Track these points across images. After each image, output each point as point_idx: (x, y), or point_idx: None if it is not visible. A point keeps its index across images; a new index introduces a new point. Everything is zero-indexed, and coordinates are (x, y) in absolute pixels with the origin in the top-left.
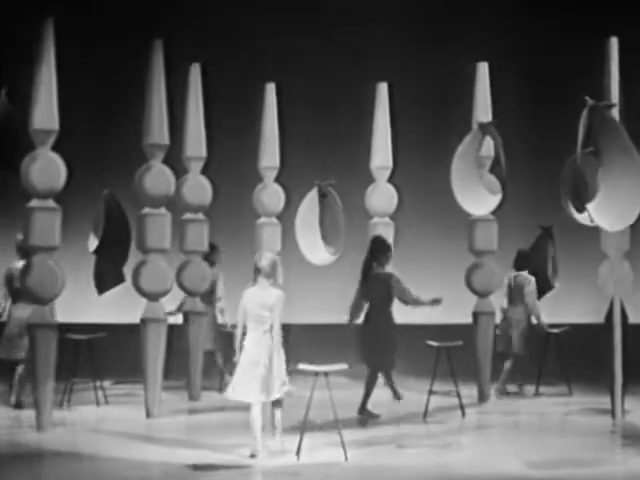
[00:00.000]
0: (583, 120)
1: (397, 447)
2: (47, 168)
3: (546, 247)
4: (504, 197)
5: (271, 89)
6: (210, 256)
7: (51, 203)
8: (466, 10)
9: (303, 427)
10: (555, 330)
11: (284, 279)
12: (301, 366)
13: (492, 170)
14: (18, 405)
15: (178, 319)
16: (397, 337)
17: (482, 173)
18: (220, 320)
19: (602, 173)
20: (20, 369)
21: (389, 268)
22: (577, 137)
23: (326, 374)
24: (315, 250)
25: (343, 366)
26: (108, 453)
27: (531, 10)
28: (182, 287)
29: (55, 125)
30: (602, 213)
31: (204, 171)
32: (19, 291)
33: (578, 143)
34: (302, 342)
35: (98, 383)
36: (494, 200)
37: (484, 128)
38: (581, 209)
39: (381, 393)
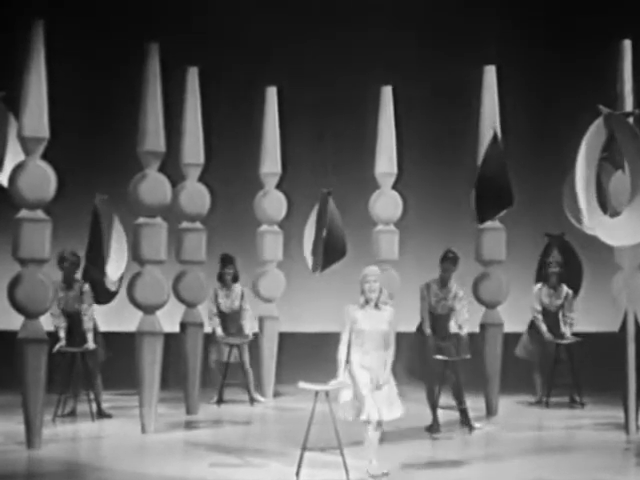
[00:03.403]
0: (596, 128)
1: (402, 465)
2: (36, 178)
3: (547, 256)
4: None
5: (272, 93)
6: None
7: (41, 214)
8: (473, 12)
9: (304, 446)
10: (565, 341)
11: (287, 288)
12: (302, 385)
13: None
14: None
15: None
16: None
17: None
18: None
19: (618, 184)
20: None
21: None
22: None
23: (327, 393)
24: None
25: (345, 385)
26: (101, 474)
27: (540, 12)
28: (179, 298)
29: (45, 133)
30: (617, 228)
31: (202, 178)
32: None
33: (582, 152)
34: (308, 351)
35: (92, 396)
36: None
37: (495, 133)
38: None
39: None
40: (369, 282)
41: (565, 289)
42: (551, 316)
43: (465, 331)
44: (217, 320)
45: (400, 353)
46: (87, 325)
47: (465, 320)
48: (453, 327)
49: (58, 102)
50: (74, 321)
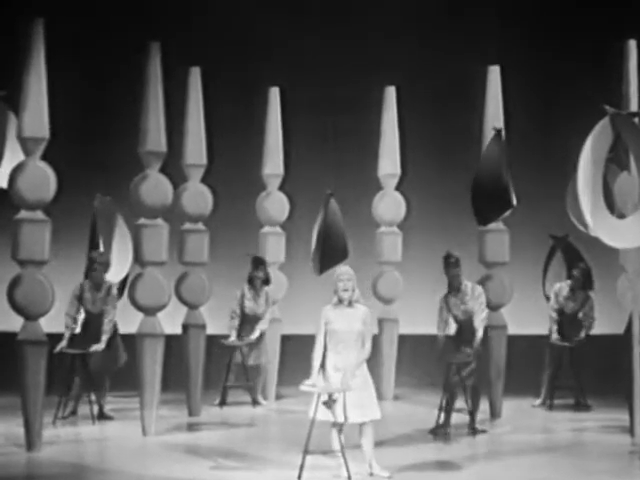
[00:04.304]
0: (601, 129)
1: (406, 467)
2: (36, 178)
3: (551, 258)
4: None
5: (275, 93)
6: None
7: (40, 215)
8: (477, 12)
9: (306, 449)
10: (570, 343)
11: (289, 289)
12: (303, 387)
13: None
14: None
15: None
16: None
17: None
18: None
19: (624, 185)
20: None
21: None
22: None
23: (329, 396)
24: None
25: (347, 387)
26: (101, 476)
27: (544, 11)
28: (181, 300)
29: (45, 133)
30: (623, 229)
31: (204, 179)
32: None
33: (585, 153)
34: (310, 353)
35: (93, 398)
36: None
37: (499, 133)
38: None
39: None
40: (342, 281)
41: (585, 295)
42: (566, 318)
43: (479, 334)
44: (236, 322)
45: (403, 355)
46: (106, 327)
47: (482, 320)
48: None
49: (58, 102)
50: (95, 322)
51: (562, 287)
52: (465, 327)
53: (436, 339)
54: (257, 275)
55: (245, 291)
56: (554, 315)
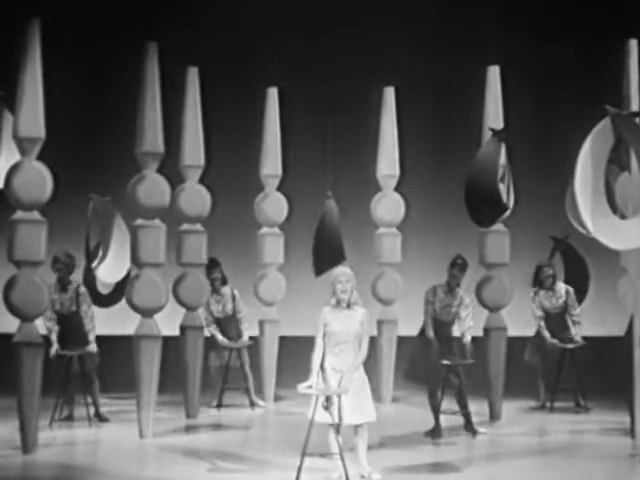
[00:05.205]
0: (601, 128)
1: (403, 470)
2: (32, 179)
3: (552, 259)
4: (515, 207)
5: (273, 94)
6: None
7: (36, 215)
8: (477, 12)
9: (304, 451)
10: (570, 345)
11: (288, 291)
12: (301, 389)
13: (502, 180)
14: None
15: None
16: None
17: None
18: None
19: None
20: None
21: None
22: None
23: (327, 398)
24: None
25: (345, 390)
26: (98, 479)
27: (544, 11)
28: (179, 301)
29: (41, 133)
30: (626, 230)
31: (202, 180)
32: None
33: (584, 153)
34: (309, 355)
35: (89, 400)
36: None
37: (498, 135)
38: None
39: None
40: (341, 282)
41: (563, 287)
42: (555, 319)
43: (468, 339)
44: (214, 326)
45: (401, 358)
46: (88, 326)
47: (468, 328)
48: (455, 332)
49: (55, 102)
50: (69, 323)
51: (536, 292)
52: (443, 328)
53: (430, 342)
54: (214, 277)
55: (207, 296)
56: (542, 323)
